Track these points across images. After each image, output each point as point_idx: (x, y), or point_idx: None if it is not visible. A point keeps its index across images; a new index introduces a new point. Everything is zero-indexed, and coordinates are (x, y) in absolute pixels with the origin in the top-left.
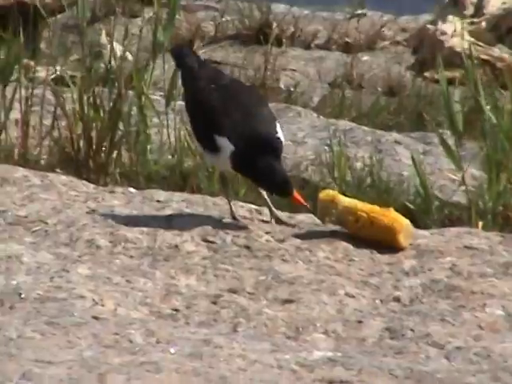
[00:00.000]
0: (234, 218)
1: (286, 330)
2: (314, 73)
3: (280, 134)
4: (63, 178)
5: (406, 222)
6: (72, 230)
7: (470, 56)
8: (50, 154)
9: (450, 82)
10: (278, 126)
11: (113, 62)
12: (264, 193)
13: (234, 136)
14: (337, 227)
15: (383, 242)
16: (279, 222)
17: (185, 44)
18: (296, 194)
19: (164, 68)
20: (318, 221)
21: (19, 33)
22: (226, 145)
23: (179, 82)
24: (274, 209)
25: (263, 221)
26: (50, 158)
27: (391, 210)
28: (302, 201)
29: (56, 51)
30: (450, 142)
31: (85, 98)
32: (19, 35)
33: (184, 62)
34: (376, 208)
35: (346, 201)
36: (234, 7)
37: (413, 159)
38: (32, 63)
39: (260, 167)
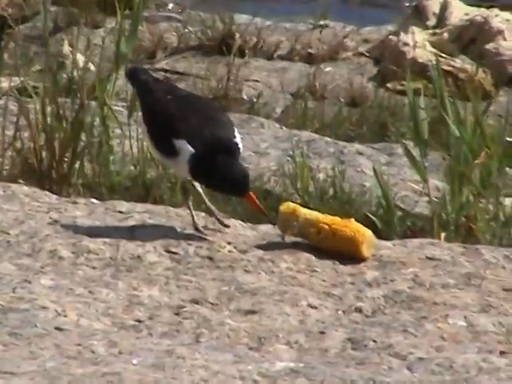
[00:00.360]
0: (196, 228)
1: (249, 340)
2: (276, 83)
3: (238, 139)
4: (25, 188)
5: (368, 232)
6: (34, 240)
7: (437, 67)
8: (13, 165)
9: (413, 93)
10: (236, 131)
11: (75, 73)
12: (200, 189)
13: (193, 139)
14: (298, 239)
15: (346, 253)
16: (213, 215)
17: (138, 64)
18: (251, 195)
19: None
20: (279, 232)
21: None
22: (185, 148)
23: None
24: (209, 203)
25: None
26: (13, 169)
27: (352, 220)
28: (256, 203)
29: (18, 62)
30: (415, 152)
31: (47, 108)
32: None
33: (138, 77)
34: (337, 219)
35: (307, 213)
36: (197, 18)
37: (374, 170)
38: None
39: (217, 165)
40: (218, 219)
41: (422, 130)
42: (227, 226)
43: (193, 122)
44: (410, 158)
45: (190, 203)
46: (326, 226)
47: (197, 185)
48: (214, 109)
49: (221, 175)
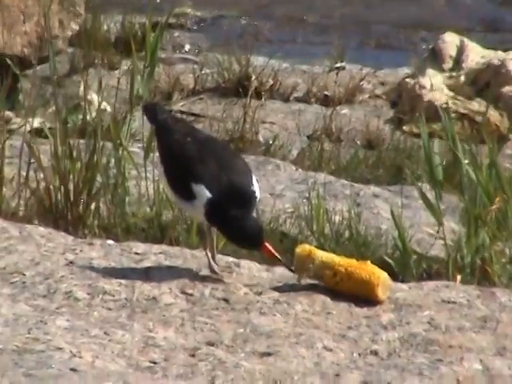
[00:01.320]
0: (212, 270)
1: (264, 383)
2: (292, 126)
3: (256, 187)
4: (41, 229)
5: (383, 274)
6: (50, 281)
7: (447, 109)
8: (28, 206)
9: (429, 135)
10: (254, 178)
11: (91, 114)
12: (213, 234)
13: (211, 184)
14: (314, 281)
15: (361, 296)
16: (212, 271)
17: (158, 101)
18: (267, 246)
19: (143, 120)
20: (295, 274)
21: None
22: (203, 192)
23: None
24: (207, 251)
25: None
26: (28, 210)
27: (368, 263)
28: (273, 252)
29: (35, 103)
30: (430, 195)
31: (61, 149)
32: None
33: (158, 117)
34: (353, 262)
35: (322, 255)
36: (214, 60)
37: (391, 213)
38: (10, 114)
39: (232, 218)
40: (215, 272)
41: (437, 173)
42: (216, 274)
43: (211, 167)
44: (425, 201)
45: (207, 245)
46: (342, 269)
47: (213, 228)
48: (233, 153)
49: (235, 229)
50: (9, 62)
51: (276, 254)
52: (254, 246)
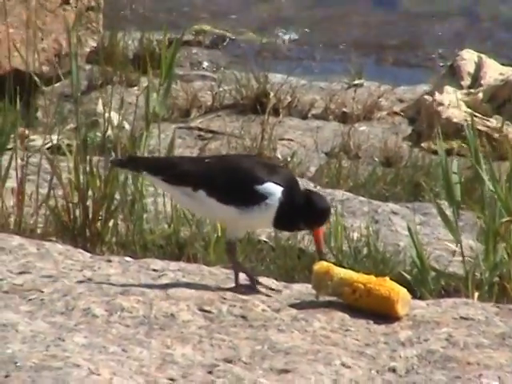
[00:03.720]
0: (236, 285)
1: None
2: (311, 142)
3: None
4: (59, 246)
5: (402, 290)
6: (68, 298)
7: (472, 126)
8: (46, 223)
9: (448, 152)
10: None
11: (109, 131)
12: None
13: (275, 179)
14: (332, 298)
15: (381, 312)
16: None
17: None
18: (322, 230)
19: (159, 137)
20: (313, 290)
21: (15, 101)
22: (274, 188)
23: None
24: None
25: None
26: (46, 227)
27: (387, 279)
28: (321, 241)
29: (53, 120)
30: (448, 212)
31: (80, 167)
32: (15, 103)
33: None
34: (372, 278)
35: (341, 272)
36: (231, 77)
37: (409, 230)
38: (27, 131)
39: (308, 198)
40: (256, 280)
41: (455, 191)
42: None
43: (257, 169)
44: (443, 218)
45: (237, 260)
46: (361, 285)
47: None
48: (250, 157)
49: (310, 208)
50: (35, 77)
51: (321, 247)
52: (325, 221)
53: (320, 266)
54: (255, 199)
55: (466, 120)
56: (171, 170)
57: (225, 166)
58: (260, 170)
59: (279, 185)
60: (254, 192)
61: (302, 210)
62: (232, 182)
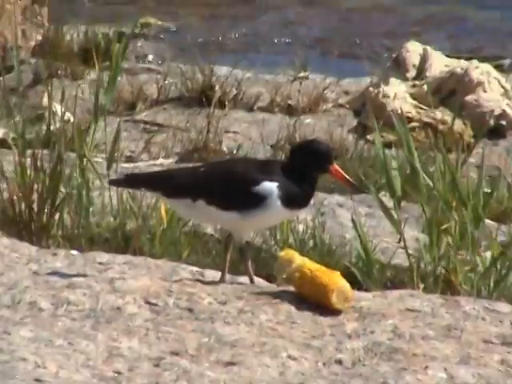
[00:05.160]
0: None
1: None
2: (256, 135)
3: None
4: (5, 240)
5: (343, 283)
6: (14, 292)
7: (402, 118)
8: None
9: (392, 144)
10: None
11: (55, 124)
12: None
13: (270, 177)
14: (279, 288)
15: (319, 300)
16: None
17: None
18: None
19: (105, 130)
20: (257, 283)
21: None
22: (270, 187)
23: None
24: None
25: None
26: None
27: (337, 273)
28: (343, 177)
29: None
30: (390, 204)
31: (25, 160)
32: None
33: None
34: (322, 268)
35: (299, 259)
36: (177, 70)
37: (353, 222)
38: None
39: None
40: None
41: (394, 184)
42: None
43: (251, 169)
44: (384, 211)
45: (250, 267)
46: (308, 271)
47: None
48: (242, 160)
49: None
50: None
51: (345, 177)
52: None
53: (285, 252)
54: (255, 201)
55: (410, 112)
56: (168, 185)
57: (219, 172)
58: (253, 170)
59: (273, 181)
60: (252, 194)
61: (307, 164)
62: (228, 187)
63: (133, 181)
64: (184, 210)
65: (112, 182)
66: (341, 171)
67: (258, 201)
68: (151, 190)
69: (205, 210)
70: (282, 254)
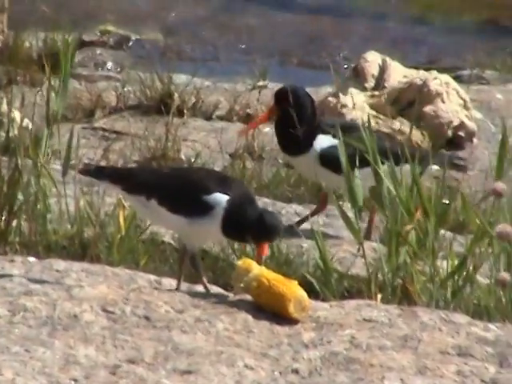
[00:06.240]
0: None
1: None
2: (215, 144)
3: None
4: None
5: (300, 293)
6: None
7: (369, 126)
8: None
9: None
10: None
11: (13, 131)
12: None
13: (223, 189)
14: (237, 297)
15: (276, 309)
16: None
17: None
18: (266, 247)
19: (61, 137)
20: (214, 292)
21: None
22: (220, 197)
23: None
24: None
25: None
26: None
27: (295, 282)
28: (261, 257)
29: None
30: (350, 214)
31: None
32: None
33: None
34: (280, 277)
35: (257, 268)
36: (136, 77)
37: (312, 231)
38: None
39: (256, 213)
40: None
41: (357, 193)
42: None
43: (207, 180)
44: (345, 220)
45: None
46: (266, 281)
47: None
48: (207, 170)
49: (261, 223)
50: None
51: (262, 259)
52: (272, 238)
53: (243, 261)
54: (202, 209)
55: (368, 122)
56: (129, 180)
57: (177, 176)
58: (210, 181)
59: (226, 194)
60: (201, 202)
61: (251, 223)
62: (181, 191)
63: (99, 173)
64: (138, 207)
65: (81, 172)
66: (263, 254)
67: (205, 209)
68: (112, 183)
69: (156, 209)
70: (239, 262)
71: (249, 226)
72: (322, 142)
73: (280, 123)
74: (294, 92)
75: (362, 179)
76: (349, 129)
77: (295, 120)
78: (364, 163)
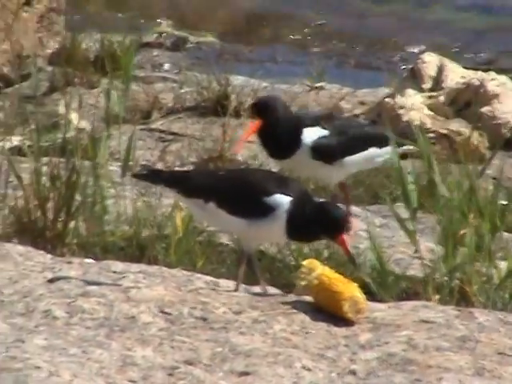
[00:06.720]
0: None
1: None
2: None
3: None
4: (20, 247)
5: (358, 295)
6: (28, 300)
7: (422, 129)
8: (7, 224)
9: (408, 156)
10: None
11: (71, 133)
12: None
13: (284, 190)
14: (294, 298)
15: (332, 309)
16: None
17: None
18: (344, 237)
19: (120, 139)
20: (272, 293)
21: None
22: (281, 198)
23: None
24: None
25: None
26: (7, 228)
27: (355, 284)
28: (347, 248)
29: (14, 121)
30: (405, 215)
31: (41, 168)
32: None
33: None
34: (342, 278)
35: (320, 268)
36: (193, 79)
37: (369, 232)
38: None
39: (319, 207)
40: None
41: (410, 195)
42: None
43: (270, 181)
44: (399, 222)
45: (259, 270)
46: (326, 279)
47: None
48: (264, 171)
49: (325, 216)
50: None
51: (348, 249)
52: (344, 225)
53: (309, 262)
54: (263, 211)
55: (425, 123)
56: (185, 183)
57: (235, 178)
58: (269, 182)
59: (287, 195)
60: (261, 203)
61: (318, 221)
62: (240, 193)
63: (154, 176)
64: (196, 210)
65: (135, 176)
66: (346, 245)
67: (266, 211)
68: (169, 187)
69: (215, 212)
70: (305, 262)
71: (317, 224)
72: (310, 134)
73: (264, 132)
74: (266, 100)
75: (346, 167)
76: (328, 119)
77: (278, 125)
78: (349, 152)
